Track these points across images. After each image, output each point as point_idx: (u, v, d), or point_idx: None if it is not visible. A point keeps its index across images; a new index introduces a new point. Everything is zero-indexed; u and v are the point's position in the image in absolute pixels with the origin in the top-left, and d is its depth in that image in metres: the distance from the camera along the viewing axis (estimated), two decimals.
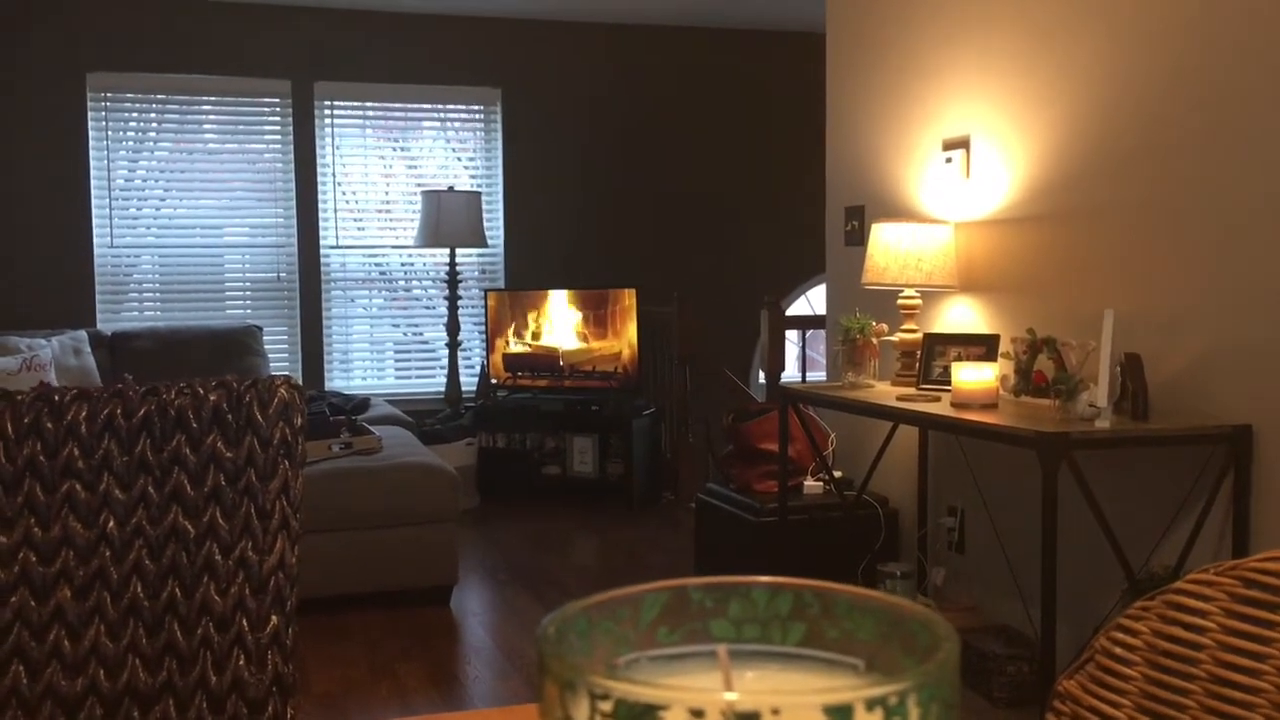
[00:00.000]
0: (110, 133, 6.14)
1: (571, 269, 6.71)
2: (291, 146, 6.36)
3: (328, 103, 6.43)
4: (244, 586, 1.23)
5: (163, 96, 6.19)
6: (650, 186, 6.92)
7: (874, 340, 3.63)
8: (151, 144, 6.25)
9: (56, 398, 1.20)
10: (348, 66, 6.41)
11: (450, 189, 6.24)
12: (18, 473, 1.19)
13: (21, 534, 1.19)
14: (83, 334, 5.64)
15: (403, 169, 6.61)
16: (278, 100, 6.34)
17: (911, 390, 3.45)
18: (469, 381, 6.45)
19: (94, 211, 6.11)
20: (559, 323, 6.11)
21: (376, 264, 6.62)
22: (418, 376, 6.70)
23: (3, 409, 1.19)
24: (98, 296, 6.14)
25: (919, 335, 3.60)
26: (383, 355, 6.72)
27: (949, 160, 3.73)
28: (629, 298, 5.90)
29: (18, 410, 1.19)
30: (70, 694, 1.20)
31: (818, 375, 5.91)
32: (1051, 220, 3.33)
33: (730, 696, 0.32)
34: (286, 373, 6.04)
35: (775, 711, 0.32)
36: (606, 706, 0.32)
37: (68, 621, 1.20)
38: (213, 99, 6.26)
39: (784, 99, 6.97)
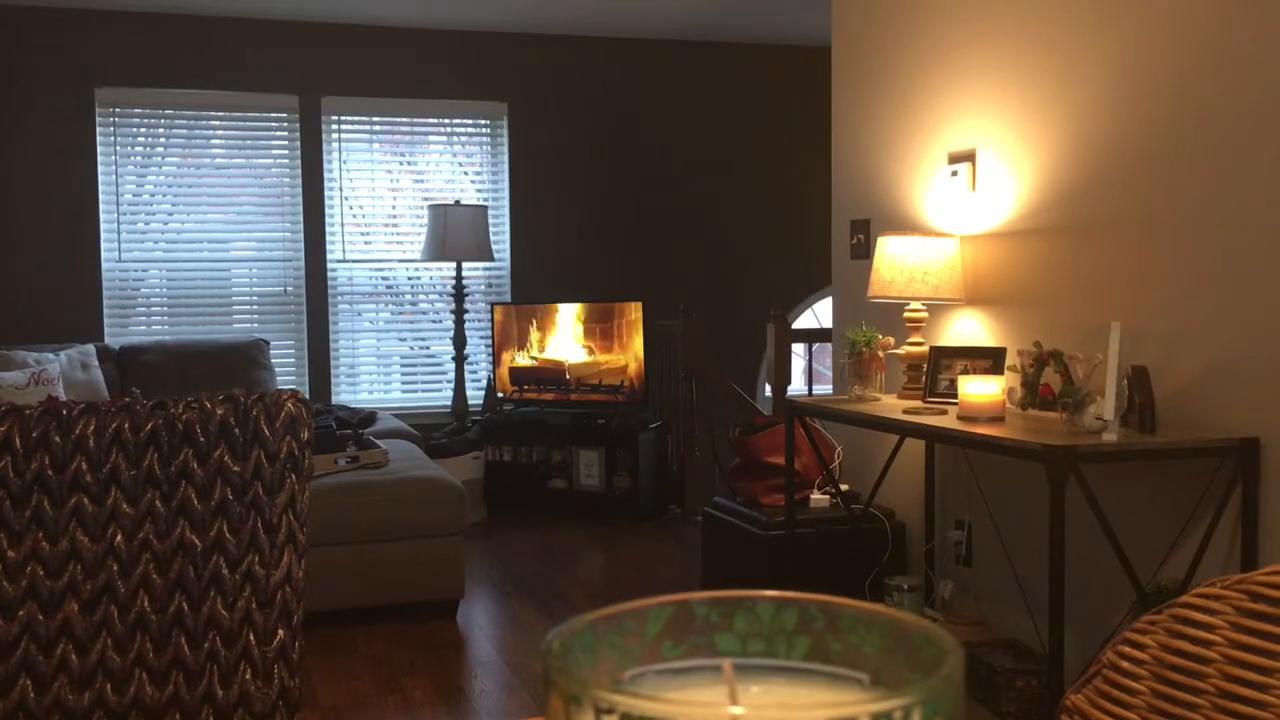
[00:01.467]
0: (118, 147, 6.16)
1: (578, 283, 6.72)
2: (299, 161, 6.39)
3: (335, 117, 6.45)
4: (251, 600, 1.23)
5: (171, 111, 6.22)
6: (657, 200, 6.93)
7: (880, 353, 3.62)
8: (159, 159, 6.28)
9: (64, 412, 1.21)
10: (355, 81, 6.43)
11: (457, 203, 6.25)
12: (26, 487, 1.19)
13: (29, 548, 1.20)
14: (90, 348, 5.65)
15: (409, 183, 6.63)
16: (285, 115, 6.36)
17: (918, 403, 3.45)
18: (475, 395, 6.45)
19: (102, 226, 6.13)
20: (565, 336, 6.11)
21: (383, 278, 6.63)
22: (424, 390, 6.70)
23: (11, 423, 1.19)
24: (105, 311, 6.16)
25: (925, 348, 3.60)
26: (389, 369, 6.73)
27: (955, 173, 3.73)
28: (635, 311, 5.90)
29: (26, 424, 1.19)
30: (78, 708, 1.20)
31: (824, 388, 5.91)
32: (1058, 233, 3.32)
33: (735, 711, 0.32)
34: (293, 386, 6.05)
35: None
36: None
37: (75, 635, 1.20)
38: (220, 114, 6.28)
39: (790, 112, 6.99)
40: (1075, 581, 3.05)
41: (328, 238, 6.45)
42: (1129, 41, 3.04)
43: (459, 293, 6.25)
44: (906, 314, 3.64)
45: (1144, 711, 0.77)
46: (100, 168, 6.12)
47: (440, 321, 6.68)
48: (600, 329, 6.02)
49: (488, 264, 6.61)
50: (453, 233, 6.06)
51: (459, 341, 6.27)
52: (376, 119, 6.54)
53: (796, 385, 6.29)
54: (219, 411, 1.23)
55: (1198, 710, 0.75)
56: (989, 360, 3.38)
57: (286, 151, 6.39)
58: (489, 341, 6.55)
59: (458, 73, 6.58)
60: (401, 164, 6.63)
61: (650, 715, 0.32)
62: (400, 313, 6.72)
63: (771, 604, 0.40)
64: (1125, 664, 0.79)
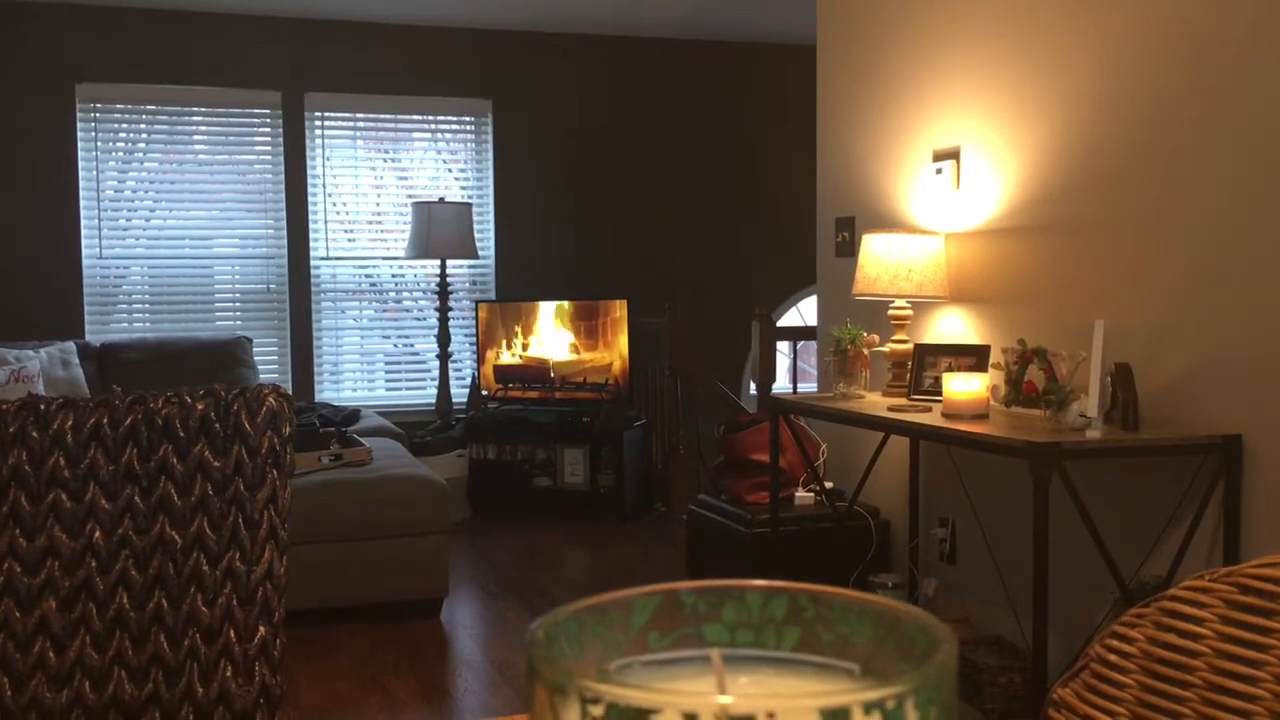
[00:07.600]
0: (100, 143, 6.12)
1: (563, 280, 6.71)
2: (282, 158, 6.35)
3: (318, 114, 6.42)
4: (231, 597, 1.22)
5: (153, 107, 6.18)
6: (642, 198, 6.92)
7: (865, 351, 3.62)
8: (141, 155, 6.24)
9: (42, 407, 1.19)
10: (338, 78, 6.40)
11: (441, 200, 6.23)
12: (2, 482, 1.18)
13: (6, 544, 1.18)
14: (71, 345, 5.61)
15: (393, 180, 6.60)
16: (268, 111, 6.33)
17: (902, 401, 3.45)
18: (460, 393, 6.43)
19: (83, 222, 6.08)
20: (550, 334, 6.10)
21: (367, 275, 6.60)
22: (408, 388, 6.68)
23: None
24: (86, 308, 6.11)
25: (910, 346, 3.60)
26: (373, 367, 6.70)
27: (939, 171, 3.74)
28: (620, 309, 5.89)
29: (3, 419, 1.18)
30: (55, 706, 1.19)
31: (809, 386, 5.91)
32: (1042, 231, 3.33)
33: (724, 700, 0.31)
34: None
35: (771, 715, 0.31)
36: (598, 711, 0.32)
37: (53, 632, 1.19)
38: (203, 110, 6.24)
39: (775, 110, 6.99)
40: (1059, 578, 3.05)
41: (311, 235, 6.42)
42: (1113, 40, 3.05)
43: (443, 290, 6.23)
44: (891, 311, 3.64)
45: (1132, 705, 0.77)
46: (81, 163, 6.07)
47: (424, 319, 6.65)
48: (585, 327, 6.00)
49: (472, 261, 6.59)
50: (437, 230, 6.04)
51: (443, 339, 6.25)
52: (360, 115, 6.51)
53: (781, 383, 6.29)
54: (199, 406, 1.22)
55: (1186, 703, 0.74)
56: (973, 358, 3.38)
57: (270, 148, 6.35)
58: (473, 339, 6.53)
59: (442, 69, 6.56)
60: (385, 161, 6.60)
61: (637, 705, 0.31)
62: (384, 310, 6.69)
63: (761, 594, 0.40)
64: (1113, 657, 0.78)
